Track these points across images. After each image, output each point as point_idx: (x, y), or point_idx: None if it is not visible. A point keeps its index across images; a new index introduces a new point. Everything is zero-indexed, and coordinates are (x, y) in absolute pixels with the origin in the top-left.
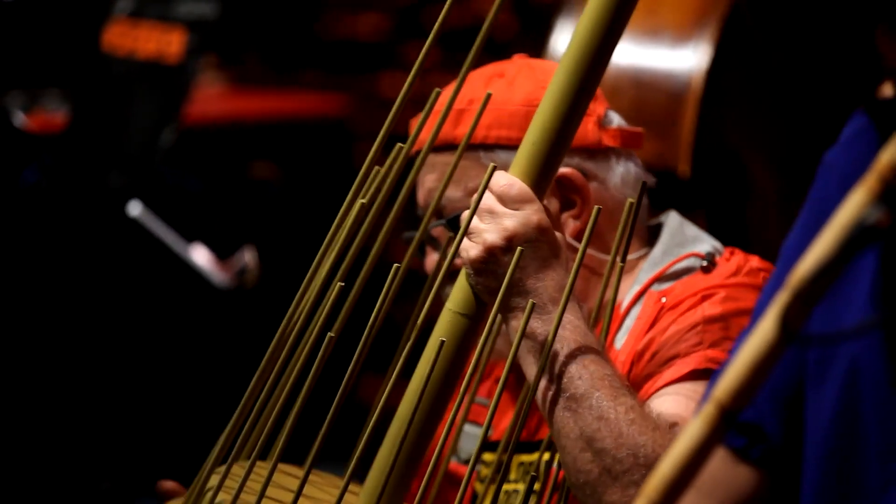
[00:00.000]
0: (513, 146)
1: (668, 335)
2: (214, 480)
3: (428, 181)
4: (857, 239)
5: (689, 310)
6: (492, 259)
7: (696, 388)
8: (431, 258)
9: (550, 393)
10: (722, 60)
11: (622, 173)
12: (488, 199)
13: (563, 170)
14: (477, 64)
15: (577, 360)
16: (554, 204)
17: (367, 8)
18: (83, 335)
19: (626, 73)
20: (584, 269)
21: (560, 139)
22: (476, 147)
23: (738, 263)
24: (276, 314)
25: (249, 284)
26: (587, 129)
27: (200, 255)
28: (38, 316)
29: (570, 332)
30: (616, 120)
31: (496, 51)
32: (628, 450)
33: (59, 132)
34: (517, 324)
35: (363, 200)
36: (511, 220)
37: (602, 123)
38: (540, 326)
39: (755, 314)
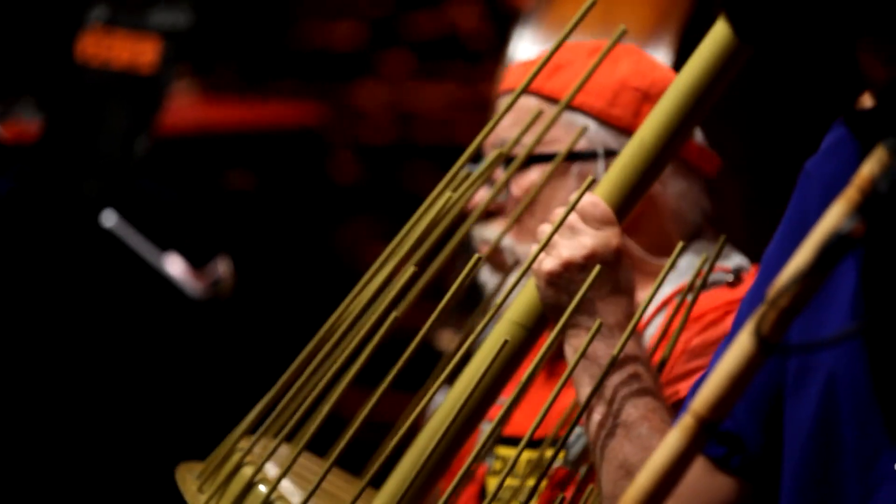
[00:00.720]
0: (594, 116)
1: (690, 347)
2: (236, 456)
3: (504, 121)
4: (833, 249)
5: (712, 324)
6: (566, 274)
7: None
8: (481, 194)
9: (600, 416)
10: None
11: (684, 187)
12: (570, 215)
13: None
14: (452, 74)
15: (632, 389)
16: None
17: (342, 16)
18: (57, 345)
19: None
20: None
21: (652, 169)
22: (568, 107)
23: None
24: (250, 323)
25: (224, 294)
26: None
27: (175, 265)
28: (11, 325)
29: (631, 361)
30: (699, 137)
31: (471, 59)
32: None
33: (34, 141)
34: (578, 342)
35: (452, 194)
36: (591, 239)
37: None
38: (602, 349)
39: (736, 324)
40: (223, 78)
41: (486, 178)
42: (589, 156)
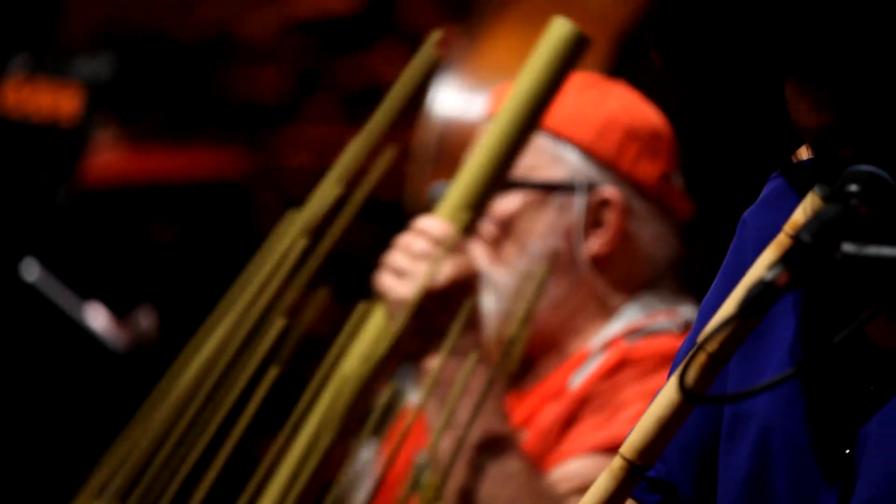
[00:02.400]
0: (580, 148)
1: (622, 392)
2: None
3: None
4: (757, 298)
5: (649, 373)
6: (425, 302)
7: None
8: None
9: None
10: None
11: (659, 230)
12: (420, 243)
13: (610, 190)
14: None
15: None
16: (574, 214)
17: (267, 64)
18: None
19: None
20: (581, 291)
21: (497, 180)
22: (548, 133)
23: None
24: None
25: (147, 345)
26: (651, 172)
27: (97, 316)
28: None
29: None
30: (680, 184)
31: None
32: None
33: None
34: (431, 367)
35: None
36: (452, 264)
37: (667, 178)
38: (450, 371)
39: (671, 370)
40: (147, 128)
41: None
42: (569, 187)
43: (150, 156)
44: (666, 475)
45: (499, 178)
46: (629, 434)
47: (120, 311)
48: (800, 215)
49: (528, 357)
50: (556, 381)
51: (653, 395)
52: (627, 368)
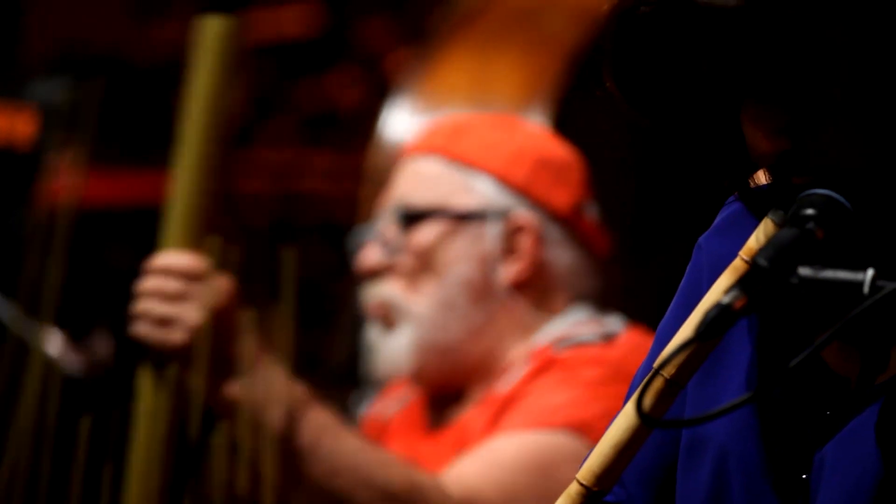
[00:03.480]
0: (492, 176)
1: (544, 387)
2: None
3: (400, 185)
4: (714, 322)
5: (572, 374)
6: (196, 339)
7: (540, 438)
8: (368, 254)
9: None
10: (558, 136)
11: (575, 257)
12: (172, 283)
13: (524, 217)
14: (332, 145)
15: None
16: (489, 242)
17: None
18: None
19: None
20: (501, 317)
21: (202, 192)
22: (459, 163)
23: (636, 342)
24: (130, 400)
25: (103, 370)
26: (563, 200)
27: (53, 341)
28: None
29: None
30: (595, 216)
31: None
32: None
33: None
34: (238, 391)
35: None
36: (209, 294)
37: (580, 207)
38: (255, 392)
39: (628, 394)
40: (104, 152)
41: (375, 237)
42: (483, 215)
43: (107, 179)
44: (625, 499)
45: (209, 188)
46: (587, 459)
47: (76, 336)
48: (754, 241)
49: (458, 387)
50: (482, 398)
51: (573, 382)
52: (552, 371)
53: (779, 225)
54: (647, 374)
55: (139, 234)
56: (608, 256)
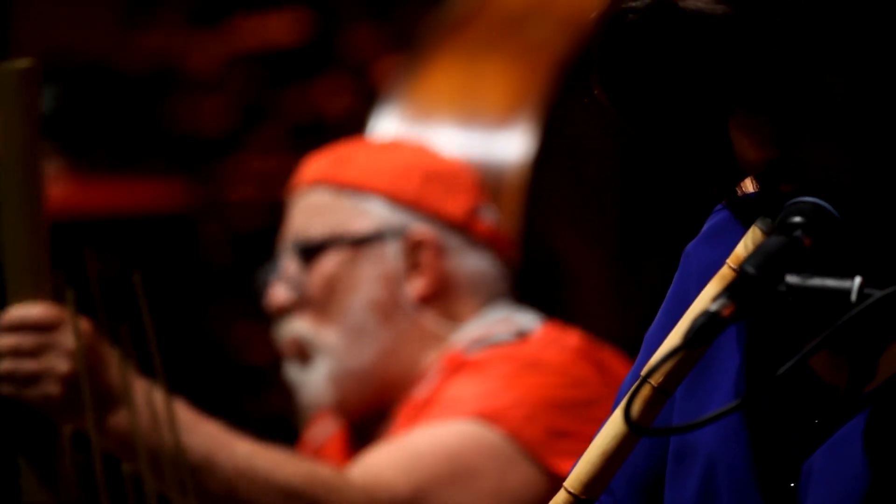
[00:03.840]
0: (381, 195)
1: (458, 386)
2: None
3: (295, 221)
4: (702, 330)
5: (486, 370)
6: (74, 386)
7: (450, 428)
8: (275, 294)
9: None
10: (546, 145)
11: (480, 263)
12: (28, 339)
13: (421, 231)
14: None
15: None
16: (390, 261)
17: (212, 96)
18: None
19: None
20: (413, 332)
21: (37, 240)
22: (347, 189)
23: (552, 337)
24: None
25: None
26: (457, 208)
27: None
28: None
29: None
30: (493, 218)
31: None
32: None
33: None
34: (122, 420)
35: None
36: (69, 339)
37: (475, 212)
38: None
39: (615, 403)
40: (92, 160)
41: (278, 274)
42: (380, 236)
43: (95, 188)
44: None
45: (35, 231)
46: (574, 467)
47: None
48: (742, 249)
49: (382, 409)
50: (402, 405)
51: (486, 375)
52: (467, 373)
53: (766, 233)
54: (633, 382)
55: (127, 242)
56: (512, 256)
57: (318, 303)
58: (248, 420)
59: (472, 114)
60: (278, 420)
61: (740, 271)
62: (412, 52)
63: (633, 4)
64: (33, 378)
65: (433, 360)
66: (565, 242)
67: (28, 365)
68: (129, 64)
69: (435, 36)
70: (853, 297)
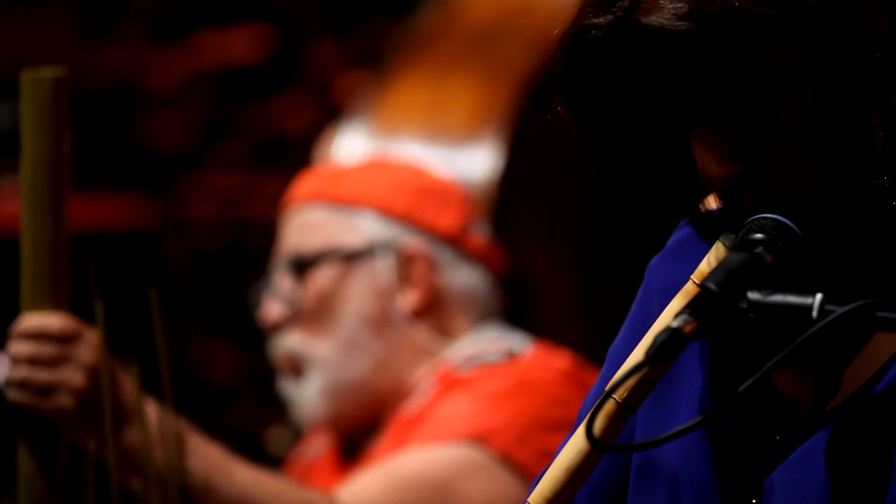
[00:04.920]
0: (374, 209)
1: (448, 405)
2: None
3: (288, 237)
4: (664, 346)
5: (476, 389)
6: (90, 400)
7: (440, 452)
8: (269, 310)
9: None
10: (512, 162)
11: (472, 278)
12: (47, 348)
13: (413, 245)
14: (284, 170)
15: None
16: (382, 275)
17: (173, 113)
18: None
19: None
20: (405, 346)
21: (57, 251)
22: (338, 204)
23: (542, 358)
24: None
25: None
26: (449, 223)
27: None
28: None
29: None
30: (484, 234)
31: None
32: None
33: None
34: (131, 438)
35: None
36: (86, 352)
37: (467, 227)
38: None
39: (578, 419)
40: None
41: (271, 289)
42: (371, 251)
43: None
44: None
45: (57, 240)
46: (538, 482)
47: None
48: (705, 265)
49: (372, 422)
50: (390, 418)
51: (476, 396)
52: (457, 391)
53: (730, 249)
54: (597, 398)
55: (88, 259)
56: (504, 271)
57: (311, 317)
58: (211, 438)
59: (438, 130)
60: (241, 437)
61: (702, 288)
62: (378, 68)
63: (596, 21)
64: (47, 389)
65: (424, 375)
66: (532, 258)
67: (43, 375)
68: (90, 80)
69: (401, 52)
70: (814, 313)
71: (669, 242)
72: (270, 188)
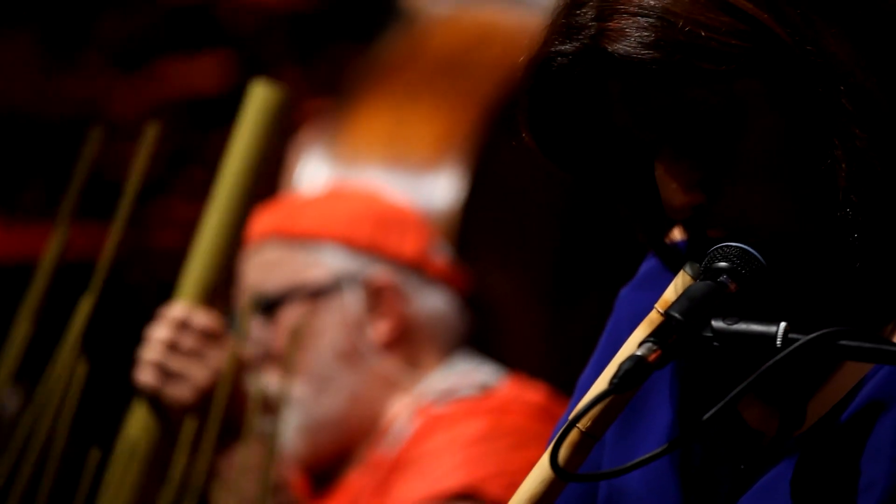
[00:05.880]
0: (336, 242)
1: (432, 450)
2: None
3: (250, 277)
4: (627, 374)
5: (456, 431)
6: (206, 401)
7: None
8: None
9: None
10: (475, 189)
11: (438, 302)
12: (188, 339)
13: (379, 276)
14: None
15: None
16: (351, 308)
17: (136, 139)
18: None
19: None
20: (378, 378)
21: (227, 249)
22: (300, 240)
23: (516, 393)
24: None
25: (9, 422)
26: (410, 247)
27: None
28: None
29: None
30: (445, 255)
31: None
32: None
33: None
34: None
35: None
36: (219, 356)
37: (428, 250)
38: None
39: (549, 444)
40: (14, 206)
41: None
42: (338, 285)
43: (18, 234)
44: None
45: (233, 244)
46: None
47: None
48: (670, 293)
49: (346, 453)
50: (368, 456)
51: (460, 442)
52: (438, 432)
53: (694, 277)
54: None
55: (52, 288)
56: (468, 290)
57: (282, 357)
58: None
59: (400, 157)
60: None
61: (666, 316)
62: (340, 96)
63: (562, 49)
64: (174, 376)
65: (400, 411)
66: (495, 286)
67: (175, 363)
68: (53, 109)
69: (364, 80)
70: (778, 342)
71: (640, 271)
72: None
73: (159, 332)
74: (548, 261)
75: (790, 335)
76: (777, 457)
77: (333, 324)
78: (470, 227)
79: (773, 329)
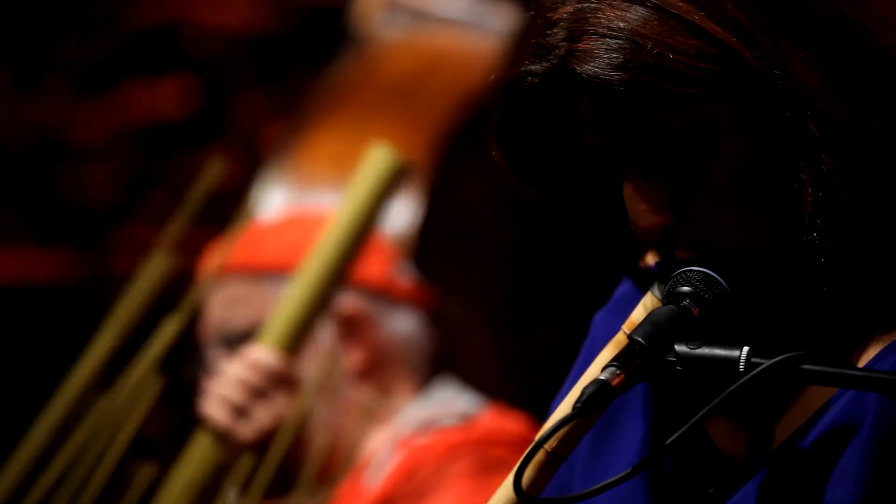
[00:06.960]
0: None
1: (421, 489)
2: None
3: (215, 313)
4: (592, 397)
5: (444, 467)
6: (263, 443)
7: None
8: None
9: None
10: (430, 212)
11: (404, 326)
12: (258, 379)
13: (347, 304)
14: (212, 222)
15: None
16: (323, 340)
17: (99, 164)
18: None
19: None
20: (353, 408)
21: (322, 301)
22: (267, 275)
23: (497, 423)
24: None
25: None
26: (376, 272)
27: None
28: None
29: None
30: (409, 274)
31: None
32: None
33: None
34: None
35: None
36: (285, 402)
37: (393, 272)
38: None
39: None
40: None
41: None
42: None
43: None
44: None
45: (327, 297)
46: None
47: None
48: (638, 314)
49: (322, 482)
50: (349, 489)
51: (450, 478)
52: (424, 468)
53: (660, 300)
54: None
55: (17, 313)
56: (435, 308)
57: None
58: (151, 493)
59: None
60: None
61: (630, 340)
62: (297, 119)
63: (532, 69)
64: (238, 413)
65: (382, 442)
66: (450, 308)
67: (241, 400)
68: (15, 135)
69: (320, 103)
70: (741, 366)
71: (614, 296)
72: (198, 241)
73: (233, 369)
74: (501, 284)
75: (753, 359)
76: (744, 478)
77: (306, 357)
78: (423, 251)
79: (735, 353)
